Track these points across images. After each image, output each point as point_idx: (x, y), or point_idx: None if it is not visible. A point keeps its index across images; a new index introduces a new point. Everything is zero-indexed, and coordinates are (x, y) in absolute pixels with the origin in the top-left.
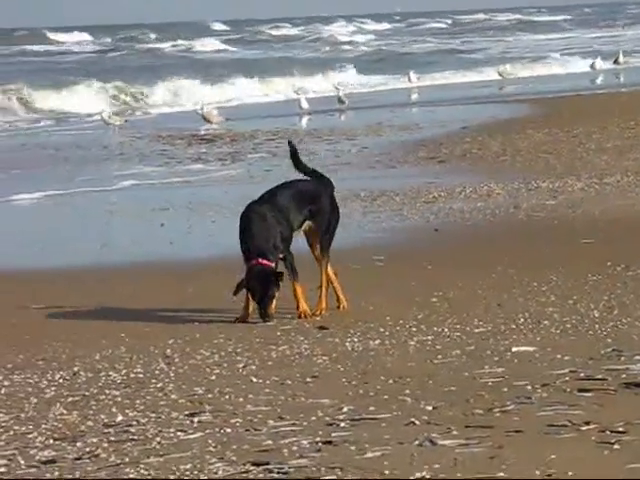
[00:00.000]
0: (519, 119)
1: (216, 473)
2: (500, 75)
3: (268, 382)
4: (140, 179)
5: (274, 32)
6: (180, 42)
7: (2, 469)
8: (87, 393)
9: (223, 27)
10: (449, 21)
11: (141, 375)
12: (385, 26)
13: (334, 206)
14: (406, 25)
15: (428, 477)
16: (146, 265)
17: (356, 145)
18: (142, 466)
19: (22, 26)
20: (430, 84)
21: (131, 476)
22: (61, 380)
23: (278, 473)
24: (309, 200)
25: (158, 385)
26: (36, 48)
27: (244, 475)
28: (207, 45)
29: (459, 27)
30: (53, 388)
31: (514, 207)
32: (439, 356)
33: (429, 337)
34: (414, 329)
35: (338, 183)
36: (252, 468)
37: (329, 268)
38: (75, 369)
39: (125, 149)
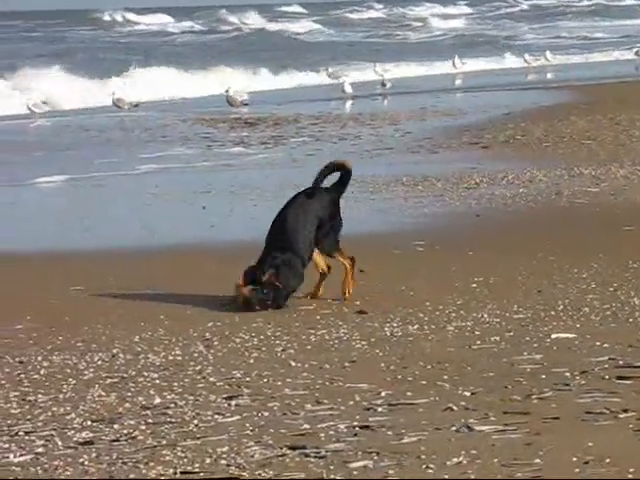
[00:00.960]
0: (562, 105)
1: (252, 456)
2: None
3: (306, 366)
4: (182, 162)
5: (356, 15)
6: (272, 23)
7: (40, 449)
8: (125, 375)
9: (300, 9)
10: (525, 6)
11: (180, 358)
12: (463, 10)
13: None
14: (487, 9)
15: (465, 462)
16: (187, 248)
17: (399, 130)
18: (179, 448)
19: (85, 8)
20: (474, 70)
21: (168, 458)
22: (100, 362)
23: (315, 457)
24: None
25: (197, 368)
26: (130, 29)
27: (280, 459)
28: (305, 26)
29: (539, 11)
30: (92, 370)
31: (556, 194)
32: (478, 342)
33: (468, 323)
34: (453, 314)
35: (381, 168)
36: (289, 452)
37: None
38: (114, 351)
39: (168, 132)
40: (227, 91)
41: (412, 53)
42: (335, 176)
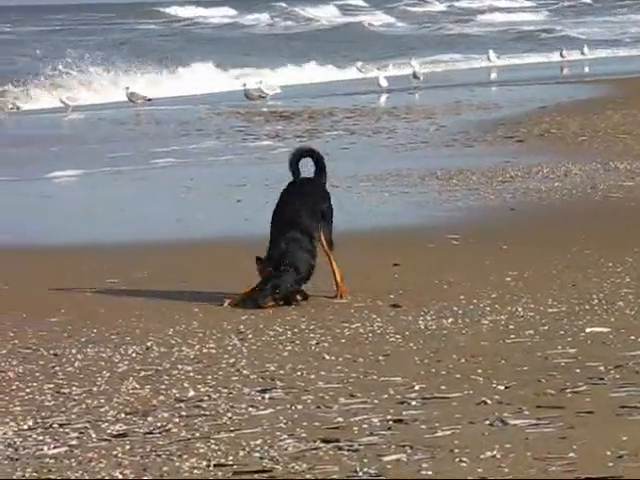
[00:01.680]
0: (598, 99)
1: (286, 449)
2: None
3: (340, 359)
4: (217, 155)
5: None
6: (347, 17)
7: (74, 442)
8: (159, 368)
9: (361, 2)
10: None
11: (214, 350)
12: (525, 4)
13: None
14: (554, 1)
15: (498, 456)
16: (221, 241)
17: (434, 124)
18: (212, 441)
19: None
20: (509, 63)
21: (201, 451)
22: (134, 354)
23: (348, 450)
24: None
25: (230, 361)
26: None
27: (314, 452)
28: (381, 19)
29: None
30: (126, 362)
31: (591, 188)
32: (512, 336)
33: (502, 316)
34: (488, 308)
35: (416, 161)
36: (322, 445)
37: None
38: (148, 344)
39: (203, 125)
40: (244, 85)
41: (458, 46)
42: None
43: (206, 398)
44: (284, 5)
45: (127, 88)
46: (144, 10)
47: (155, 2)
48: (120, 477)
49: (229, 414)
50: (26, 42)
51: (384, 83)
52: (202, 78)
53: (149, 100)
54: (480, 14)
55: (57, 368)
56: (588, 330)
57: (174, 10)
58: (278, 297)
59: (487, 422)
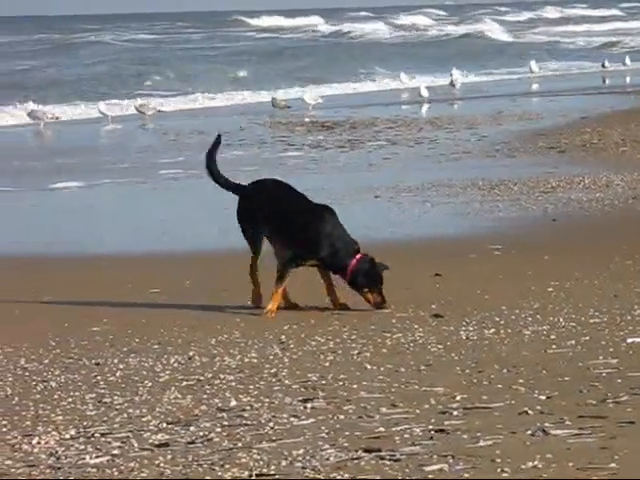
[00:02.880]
0: (639, 110)
1: (328, 459)
2: None
3: (382, 369)
4: (259, 165)
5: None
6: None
7: (116, 451)
8: (202, 377)
9: (440, 12)
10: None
11: (255, 360)
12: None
13: None
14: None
15: (540, 466)
16: (264, 251)
17: (476, 134)
18: (255, 451)
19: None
20: (551, 74)
21: (243, 461)
22: (176, 364)
23: (390, 460)
24: None
25: (272, 370)
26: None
27: (356, 461)
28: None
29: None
30: (168, 372)
31: (633, 198)
32: (554, 346)
33: (544, 327)
34: (529, 319)
35: (458, 172)
36: (364, 455)
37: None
38: (190, 353)
39: (245, 135)
40: (137, 99)
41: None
42: None
43: (248, 408)
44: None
45: (136, 99)
46: (229, 20)
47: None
48: None
49: (271, 424)
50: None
51: (425, 93)
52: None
53: (159, 111)
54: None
55: (99, 377)
56: (629, 340)
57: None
58: None
59: (529, 432)
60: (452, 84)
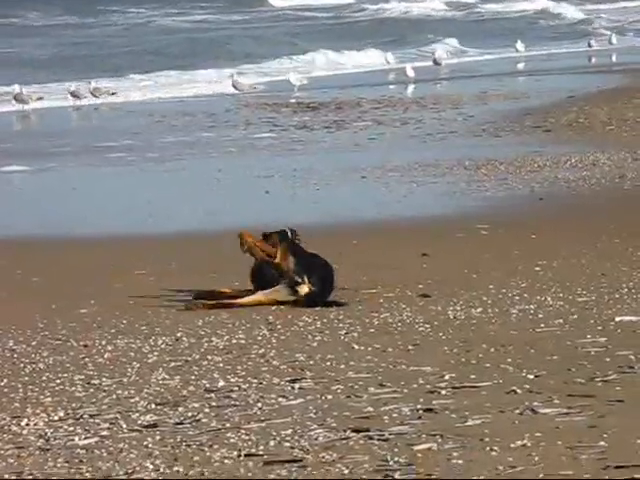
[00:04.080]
0: (626, 89)
1: (316, 439)
2: None
3: (369, 349)
4: (245, 146)
5: None
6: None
7: (104, 432)
8: (189, 359)
9: None
10: None
11: (243, 341)
12: None
13: None
14: None
15: (529, 445)
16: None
17: (462, 114)
18: (243, 431)
19: None
20: (537, 54)
21: (232, 441)
22: (163, 345)
23: (378, 440)
24: None
25: (260, 351)
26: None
27: (344, 441)
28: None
29: None
30: (156, 353)
31: (619, 177)
32: (541, 325)
33: (532, 306)
34: (517, 298)
35: (444, 151)
36: (352, 435)
37: None
38: (178, 334)
39: (231, 117)
40: (232, 76)
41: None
42: None
43: (236, 388)
44: None
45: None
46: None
47: None
48: (151, 467)
49: (259, 404)
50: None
51: (411, 73)
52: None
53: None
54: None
55: (87, 359)
56: (618, 319)
57: None
58: None
59: (517, 411)
60: (436, 62)
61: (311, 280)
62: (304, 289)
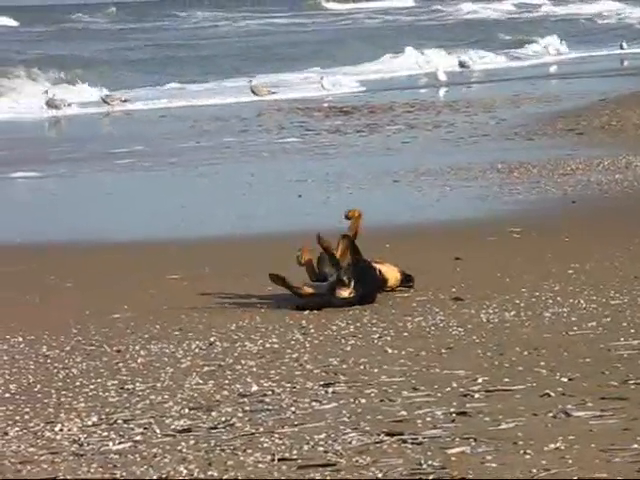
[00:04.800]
0: None
1: (350, 443)
2: None
3: (403, 353)
4: (278, 151)
5: None
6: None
7: (138, 437)
8: (223, 363)
9: None
10: None
11: (276, 345)
12: None
13: None
14: None
15: (562, 448)
16: (283, 236)
17: (494, 117)
18: (276, 435)
19: None
20: (570, 57)
21: (265, 445)
22: (197, 350)
23: (412, 443)
24: None
25: (293, 355)
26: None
27: (378, 445)
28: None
29: None
30: (189, 358)
31: None
32: (575, 328)
33: (565, 309)
34: (550, 301)
35: (476, 155)
36: (386, 438)
37: None
38: (211, 339)
39: (263, 121)
40: (251, 81)
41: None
42: None
43: (269, 393)
44: None
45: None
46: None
47: None
48: (185, 472)
49: (293, 408)
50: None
51: (443, 77)
52: None
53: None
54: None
55: (121, 364)
56: None
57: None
58: None
59: (551, 414)
60: (463, 65)
61: (356, 286)
62: (344, 292)
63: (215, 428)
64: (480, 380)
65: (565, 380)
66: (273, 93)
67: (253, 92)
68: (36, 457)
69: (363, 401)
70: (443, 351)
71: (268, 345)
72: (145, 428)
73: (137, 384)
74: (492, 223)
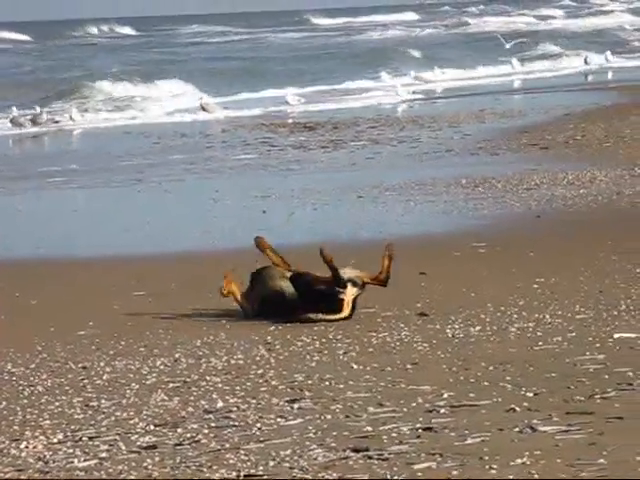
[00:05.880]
0: (622, 105)
1: (316, 459)
2: None
3: (368, 369)
4: (242, 167)
5: None
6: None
7: (104, 454)
8: (188, 379)
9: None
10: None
11: (242, 362)
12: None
13: None
14: None
15: (528, 463)
16: (247, 252)
17: (458, 132)
18: (242, 452)
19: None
20: (532, 69)
21: (231, 462)
22: (162, 366)
23: (378, 459)
24: None
25: (259, 372)
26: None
27: (344, 461)
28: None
29: None
30: (154, 374)
31: (617, 194)
32: (540, 343)
33: (530, 324)
34: (515, 316)
35: (441, 170)
36: (352, 454)
37: None
38: (176, 355)
39: (228, 137)
40: (201, 98)
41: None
42: None
43: (235, 409)
44: None
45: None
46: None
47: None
48: None
49: (258, 424)
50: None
51: (403, 93)
52: None
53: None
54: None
55: (86, 381)
56: (616, 336)
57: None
58: None
59: (516, 429)
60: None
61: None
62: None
63: (181, 445)
64: (446, 395)
65: (531, 395)
66: (225, 108)
67: (203, 109)
68: (1, 474)
69: (329, 417)
70: (408, 366)
71: (233, 361)
72: (110, 445)
73: (102, 401)
74: (457, 238)
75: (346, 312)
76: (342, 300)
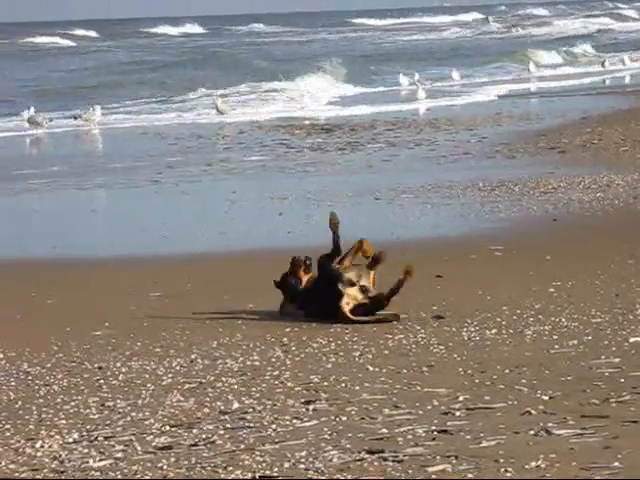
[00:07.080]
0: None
1: (331, 461)
2: None
3: (384, 371)
4: (259, 168)
5: None
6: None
7: (119, 454)
8: (204, 380)
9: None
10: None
11: (257, 363)
12: None
13: None
14: None
15: (543, 466)
16: (263, 254)
17: (475, 135)
18: (257, 453)
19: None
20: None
21: (246, 463)
22: (178, 367)
23: (393, 461)
24: None
25: (274, 373)
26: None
27: (359, 463)
28: None
29: None
30: (170, 375)
31: (634, 198)
32: (556, 346)
33: (546, 327)
34: (531, 319)
35: (457, 173)
36: (367, 456)
37: None
38: (192, 356)
39: (245, 139)
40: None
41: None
42: None
43: (250, 410)
44: None
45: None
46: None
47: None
48: None
49: (274, 426)
50: None
51: (422, 95)
52: None
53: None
54: None
55: (102, 381)
56: (632, 340)
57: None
58: None
59: (532, 432)
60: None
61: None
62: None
63: (196, 445)
64: (461, 398)
65: (546, 398)
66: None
67: (218, 111)
68: (17, 474)
69: (344, 419)
70: (424, 369)
71: (249, 362)
72: (126, 445)
73: (118, 401)
74: (473, 241)
75: (345, 310)
76: (342, 298)
